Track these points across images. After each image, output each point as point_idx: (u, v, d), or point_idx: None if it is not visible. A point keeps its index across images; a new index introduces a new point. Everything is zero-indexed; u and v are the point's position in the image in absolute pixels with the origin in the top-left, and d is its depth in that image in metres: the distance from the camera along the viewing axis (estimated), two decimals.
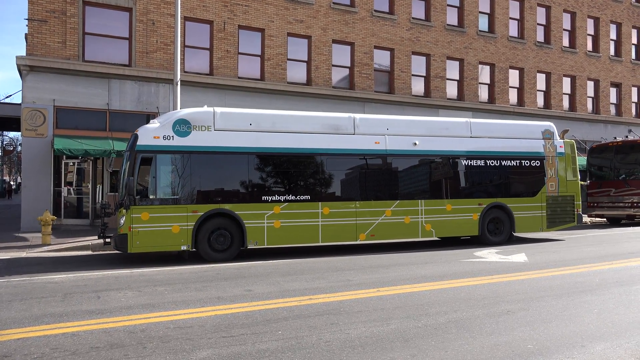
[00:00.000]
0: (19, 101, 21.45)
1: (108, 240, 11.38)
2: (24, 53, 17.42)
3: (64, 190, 17.99)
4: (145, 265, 10.22)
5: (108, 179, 18.22)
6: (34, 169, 16.79)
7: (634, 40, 30.80)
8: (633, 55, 30.71)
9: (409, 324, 5.49)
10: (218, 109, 11.32)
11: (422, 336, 5.05)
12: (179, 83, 14.28)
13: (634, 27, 30.62)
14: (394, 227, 12.34)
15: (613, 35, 29.96)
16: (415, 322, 5.56)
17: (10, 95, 33.29)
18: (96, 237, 13.46)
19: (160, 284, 8.05)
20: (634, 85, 30.63)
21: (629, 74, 30.33)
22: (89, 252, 12.65)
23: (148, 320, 5.70)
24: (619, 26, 30.07)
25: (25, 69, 16.52)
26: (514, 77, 26.27)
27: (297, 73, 21.02)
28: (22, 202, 16.88)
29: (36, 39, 16.75)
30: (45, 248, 12.67)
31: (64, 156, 16.97)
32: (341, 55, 21.85)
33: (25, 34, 17.57)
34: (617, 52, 30.11)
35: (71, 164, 18.35)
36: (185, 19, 18.82)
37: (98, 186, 18.33)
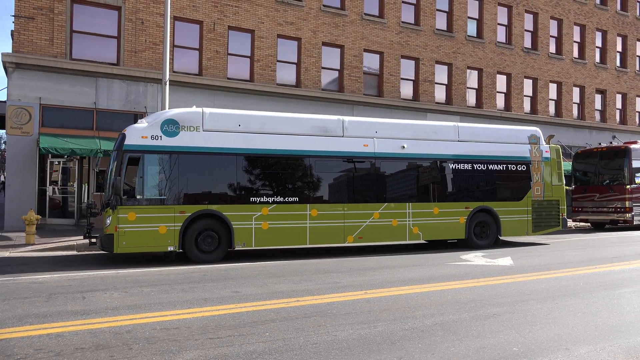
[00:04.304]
0: (4, 99, 21.17)
1: (94, 240, 11.27)
2: (9, 50, 17.21)
3: (49, 190, 17.78)
4: (131, 266, 10.14)
5: (94, 179, 18.05)
6: (19, 167, 16.56)
7: (619, 47, 31.28)
8: (618, 63, 31.19)
9: (395, 326, 5.51)
10: (207, 110, 11.28)
11: (409, 338, 5.07)
12: (167, 83, 14.21)
13: (619, 34, 31.10)
14: (382, 229, 12.38)
15: (599, 43, 30.41)
16: (402, 324, 5.59)
17: None
18: (81, 237, 13.33)
19: (146, 284, 7.99)
20: (618, 92, 31.10)
21: (614, 81, 30.80)
22: (74, 252, 12.51)
23: (134, 321, 5.65)
24: (604, 34, 30.53)
25: (11, 66, 16.31)
26: (501, 82, 26.54)
27: (286, 75, 21.01)
28: (6, 201, 16.64)
29: (23, 36, 16.55)
30: (29, 248, 12.50)
31: (50, 155, 16.77)
32: (331, 57, 21.89)
33: (12, 30, 17.35)
34: (603, 59, 30.56)
35: (56, 162, 18.14)
36: (175, 18, 18.73)
37: (84, 186, 18.15)
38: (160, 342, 4.91)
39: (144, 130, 10.65)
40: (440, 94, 24.62)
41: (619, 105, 31.30)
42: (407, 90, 23.75)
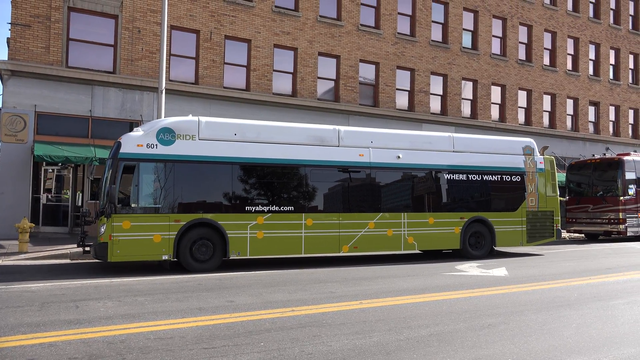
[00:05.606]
0: None
1: (87, 248, 11.21)
2: (5, 57, 17.20)
3: (43, 197, 17.69)
4: (125, 275, 10.08)
5: (89, 187, 17.98)
6: (13, 174, 16.49)
7: (612, 60, 31.63)
8: (611, 75, 31.50)
9: (391, 336, 5.50)
10: (203, 119, 11.29)
11: (404, 349, 5.06)
12: (163, 91, 14.22)
13: (612, 47, 31.44)
14: (377, 239, 12.38)
15: (592, 55, 30.73)
16: (398, 335, 5.58)
17: None
18: (75, 245, 13.24)
19: (140, 294, 7.95)
20: (611, 104, 31.38)
21: (607, 93, 31.09)
22: (68, 261, 12.43)
23: (128, 331, 5.61)
24: (597, 46, 30.86)
25: (7, 73, 16.29)
26: (496, 93, 26.73)
27: (282, 84, 21.10)
28: None
29: (19, 44, 16.55)
30: (22, 256, 12.41)
31: (44, 162, 16.70)
32: (327, 67, 22.01)
33: (8, 38, 17.35)
34: (596, 71, 30.87)
35: (51, 170, 18.08)
36: (172, 27, 18.80)
37: (78, 193, 18.07)
38: (154, 352, 4.87)
39: (140, 138, 10.64)
40: (435, 105, 24.77)
41: (612, 117, 31.58)
42: (402, 100, 23.88)
